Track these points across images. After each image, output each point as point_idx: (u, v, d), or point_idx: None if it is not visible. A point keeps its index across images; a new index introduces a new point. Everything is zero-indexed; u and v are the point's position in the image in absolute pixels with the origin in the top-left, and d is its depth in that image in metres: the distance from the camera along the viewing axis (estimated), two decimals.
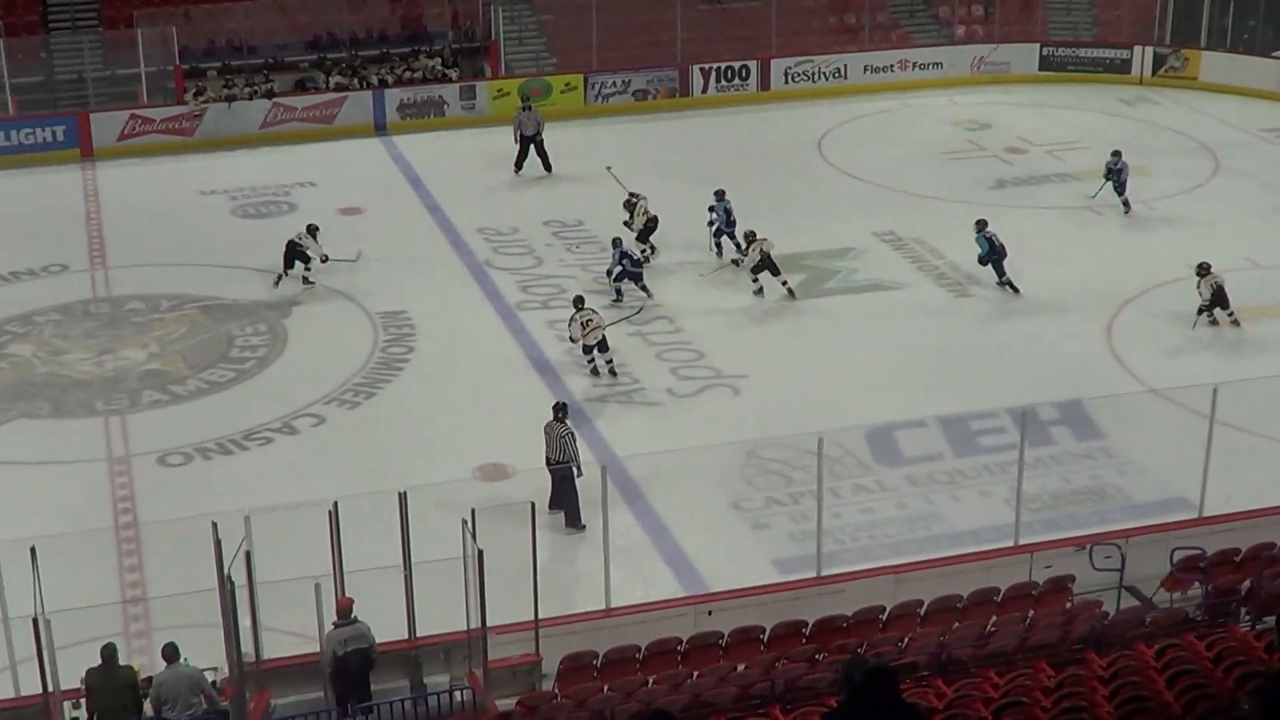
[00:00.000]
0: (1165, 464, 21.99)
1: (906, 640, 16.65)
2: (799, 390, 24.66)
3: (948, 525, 20.94)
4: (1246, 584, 17.72)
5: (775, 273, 28.13)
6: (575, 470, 20.45)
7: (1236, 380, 21.63)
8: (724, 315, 27.48)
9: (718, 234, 30.41)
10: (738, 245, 29.35)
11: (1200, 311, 26.82)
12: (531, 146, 35.93)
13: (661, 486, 21.53)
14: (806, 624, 17.33)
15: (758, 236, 28.25)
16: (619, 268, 27.97)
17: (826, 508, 19.37)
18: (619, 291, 28.02)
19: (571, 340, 25.61)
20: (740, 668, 16.15)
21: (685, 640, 17.09)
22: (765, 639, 17.22)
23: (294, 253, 29.11)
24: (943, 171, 35.83)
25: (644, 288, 28.11)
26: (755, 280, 28.32)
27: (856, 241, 31.06)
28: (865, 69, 42.83)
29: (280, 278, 29.23)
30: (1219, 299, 26.89)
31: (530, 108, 36.60)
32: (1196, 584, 18.33)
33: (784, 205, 32.70)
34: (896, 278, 29.41)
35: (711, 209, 30.35)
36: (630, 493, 21.32)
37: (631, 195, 30.71)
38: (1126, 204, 32.54)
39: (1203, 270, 26.97)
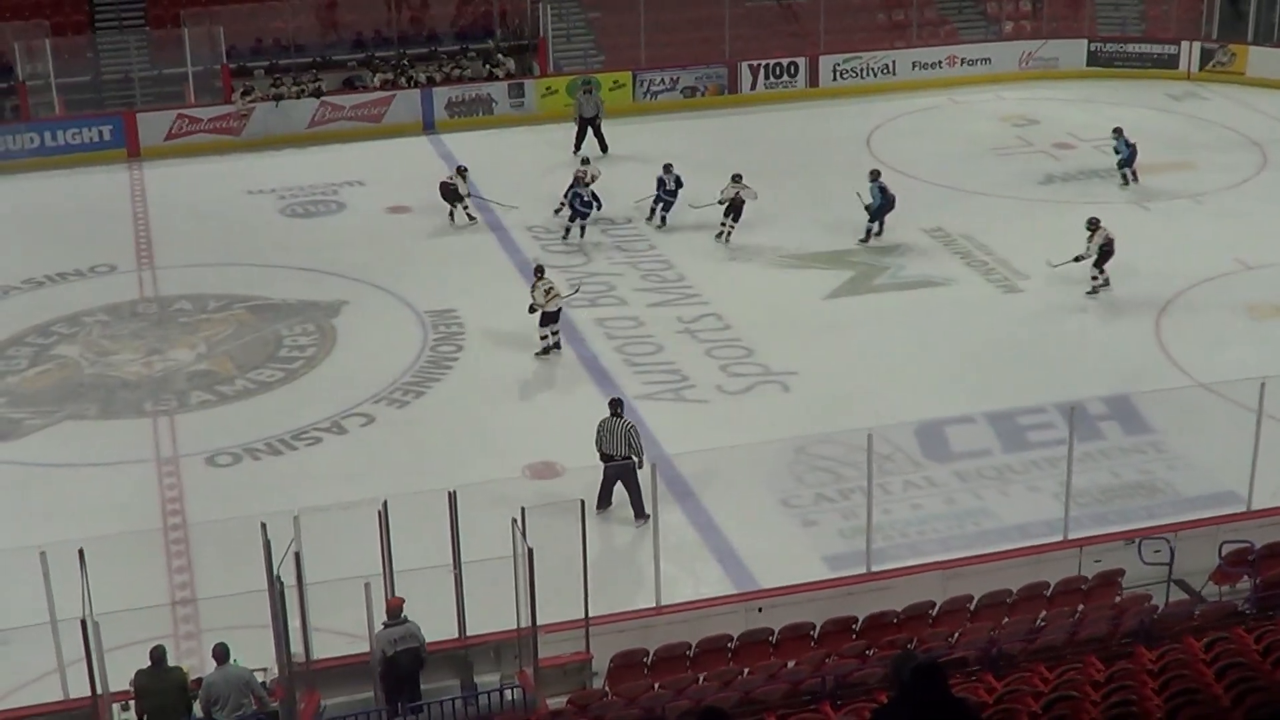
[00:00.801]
0: (1214, 458, 21.93)
1: (956, 635, 16.66)
2: (848, 387, 24.69)
3: (996, 520, 20.94)
4: None
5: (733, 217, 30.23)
6: (638, 463, 20.54)
7: None
8: (772, 312, 27.48)
9: (657, 201, 31.97)
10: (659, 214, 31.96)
11: (1077, 259, 27.86)
12: (590, 129, 36.73)
13: (711, 484, 21.59)
14: (856, 620, 17.36)
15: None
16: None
17: (876, 504, 19.36)
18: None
19: (530, 310, 25.90)
20: (790, 664, 16.17)
21: (735, 637, 17.13)
22: (815, 635, 17.25)
23: (448, 193, 31.32)
24: (991, 167, 35.76)
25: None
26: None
27: (905, 238, 31.04)
28: (914, 65, 42.78)
29: (452, 213, 32.06)
30: (1105, 256, 27.64)
31: (591, 91, 37.38)
32: (1245, 577, 18.30)
33: (832, 201, 32.66)
34: (945, 274, 29.39)
35: (660, 180, 31.95)
36: (680, 490, 21.36)
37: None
38: (1134, 175, 33.40)
39: (1092, 225, 27.88)
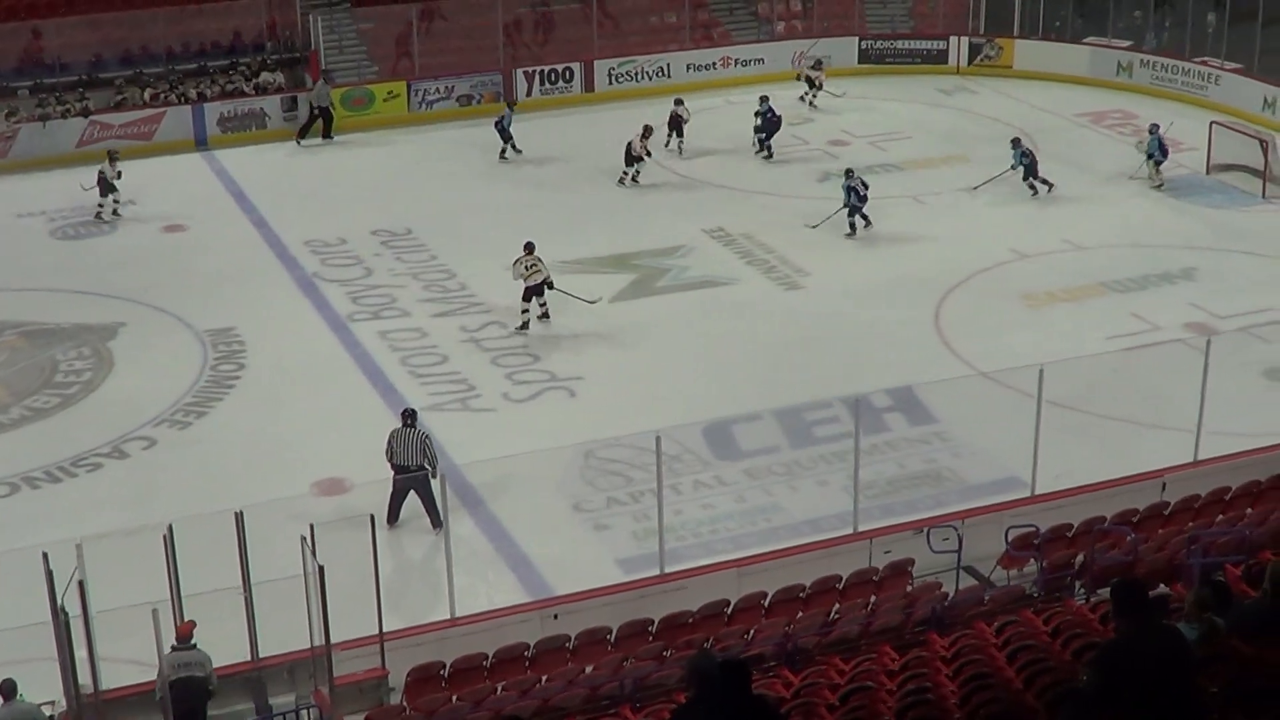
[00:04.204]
0: (997, 445, 22.32)
1: (752, 632, 16.77)
2: (635, 389, 24.72)
3: (787, 516, 21.10)
4: (1080, 558, 18.10)
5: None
6: (433, 472, 20.32)
7: (1062, 360, 22.06)
8: (557, 318, 27.40)
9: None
10: None
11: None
12: (322, 119, 38.31)
13: (502, 492, 21.47)
14: (652, 622, 17.38)
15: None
16: None
17: (667, 505, 19.43)
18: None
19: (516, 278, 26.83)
20: (589, 669, 16.13)
21: (532, 645, 17.04)
22: (612, 639, 17.23)
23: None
24: (768, 166, 36.10)
25: None
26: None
27: (686, 239, 31.20)
28: (688, 67, 43.04)
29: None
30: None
31: (326, 81, 38.47)
32: (1031, 560, 18.67)
33: (613, 205, 32.77)
34: (727, 273, 29.59)
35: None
36: (471, 500, 21.20)
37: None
38: (1044, 183, 33.71)
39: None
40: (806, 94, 40.79)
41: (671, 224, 31.72)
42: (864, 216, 31.38)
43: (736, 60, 43.54)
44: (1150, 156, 34.13)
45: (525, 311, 26.81)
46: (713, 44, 44.15)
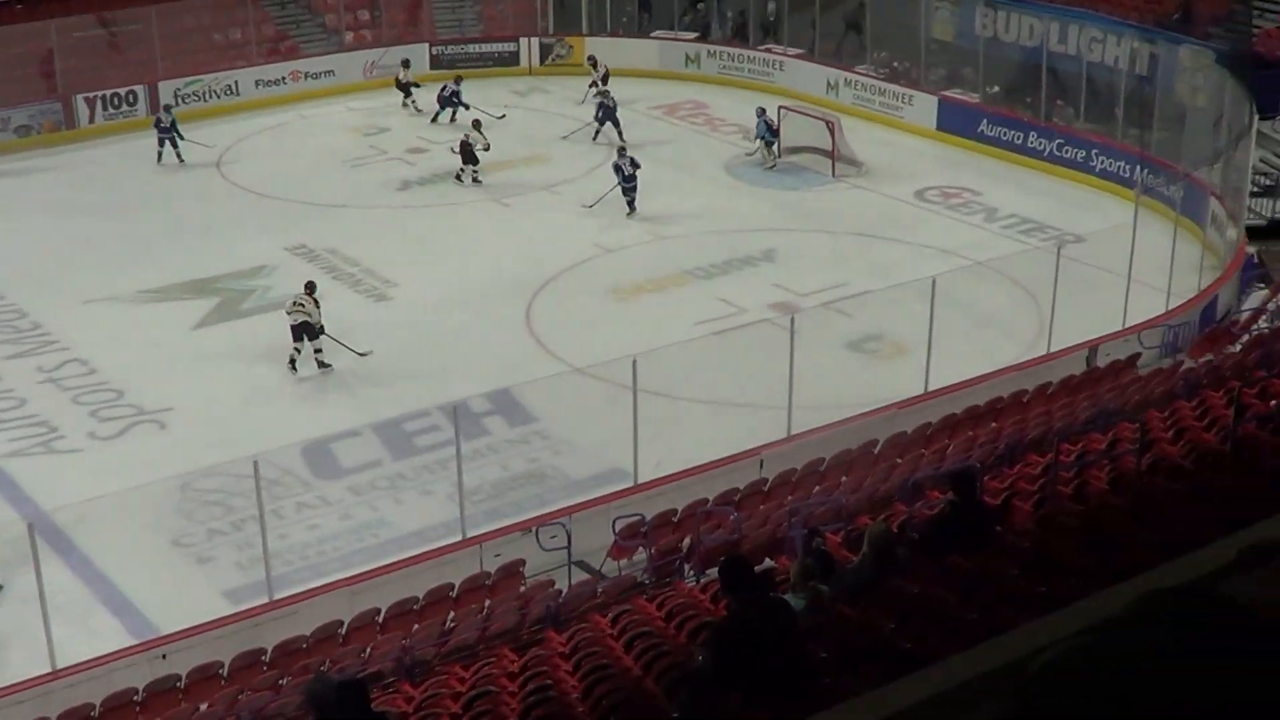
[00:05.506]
0: (598, 438, 22.54)
1: (369, 650, 16.56)
2: (228, 416, 24.03)
3: (395, 529, 20.84)
4: (686, 541, 18.41)
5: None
6: None
7: (654, 349, 22.35)
8: (139, 350, 26.46)
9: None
10: None
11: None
12: None
13: (95, 533, 20.56)
14: (266, 651, 17.00)
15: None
16: None
17: (271, 530, 19.03)
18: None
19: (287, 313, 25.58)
20: (203, 707, 15.72)
21: (142, 689, 16.45)
22: (225, 673, 16.76)
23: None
24: (348, 179, 35.68)
25: None
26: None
27: (268, 259, 30.53)
28: (257, 84, 42.12)
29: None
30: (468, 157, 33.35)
31: None
32: (640, 549, 18.90)
33: (188, 230, 31.88)
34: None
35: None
36: (61, 545, 20.23)
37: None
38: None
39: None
40: (407, 100, 40.94)
41: (251, 244, 31.03)
42: (629, 194, 32.20)
43: (307, 74, 42.89)
44: (761, 138, 35.39)
45: (295, 349, 25.34)
46: (282, 58, 43.37)
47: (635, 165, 32.30)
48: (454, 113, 39.37)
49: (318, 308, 25.55)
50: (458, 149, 34.73)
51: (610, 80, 39.21)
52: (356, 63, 43.54)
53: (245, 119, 40.42)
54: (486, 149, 34.57)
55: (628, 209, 32.19)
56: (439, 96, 39.64)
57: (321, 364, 25.47)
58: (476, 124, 35.50)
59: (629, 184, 32.10)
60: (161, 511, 21.25)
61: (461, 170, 34.78)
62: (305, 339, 25.42)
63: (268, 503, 19.00)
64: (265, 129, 39.78)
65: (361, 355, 25.79)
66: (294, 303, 25.54)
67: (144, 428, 24.03)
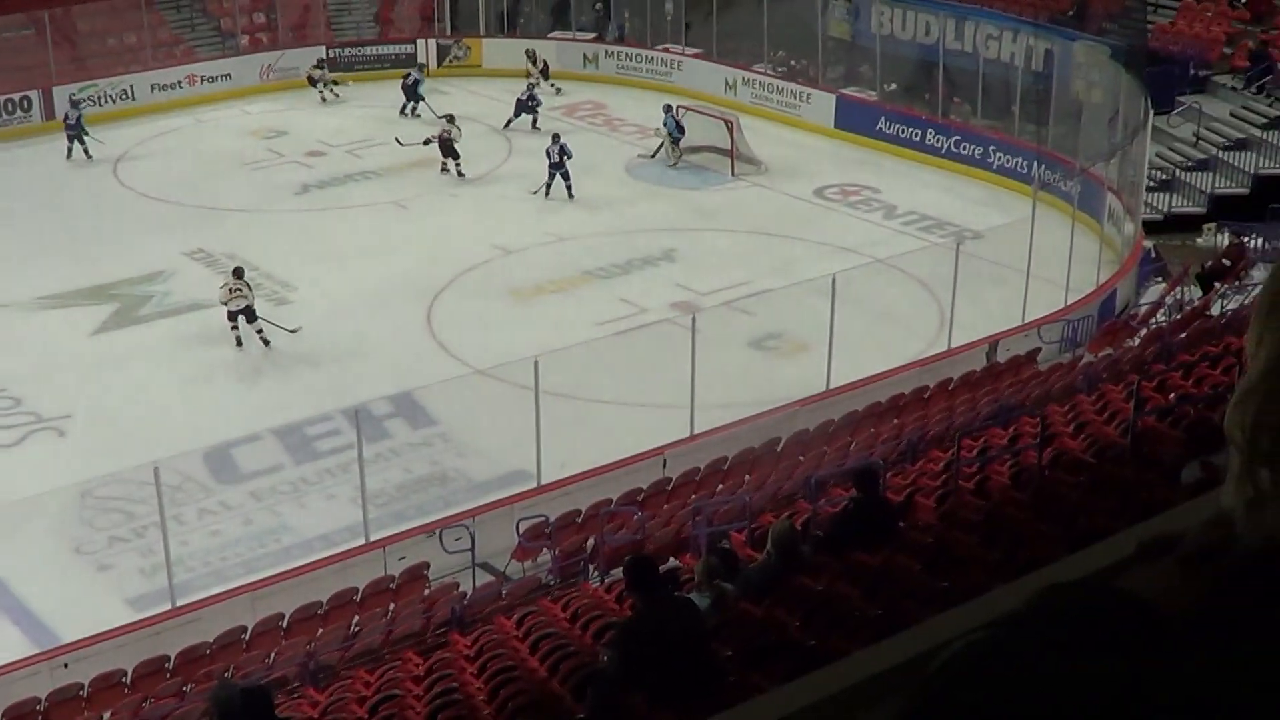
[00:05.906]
0: (500, 440, 22.48)
1: (273, 655, 16.48)
2: (128, 422, 23.76)
3: (298, 534, 20.72)
4: (591, 542, 18.43)
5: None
6: None
7: (555, 350, 22.36)
8: (36, 357, 26.17)
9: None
10: None
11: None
12: None
13: None
14: (169, 658, 16.85)
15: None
16: None
17: (172, 536, 18.88)
18: None
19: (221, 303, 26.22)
20: (106, 715, 15.61)
21: (43, 698, 16.26)
22: (128, 682, 16.60)
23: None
24: (246, 182, 35.41)
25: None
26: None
27: (166, 264, 30.24)
28: (152, 88, 41.71)
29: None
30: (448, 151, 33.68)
31: None
32: (545, 550, 18.91)
33: (83, 236, 31.53)
34: (212, 296, 28.75)
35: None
36: None
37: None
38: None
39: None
40: (322, 90, 41.87)
41: (148, 249, 30.71)
42: (565, 179, 32.98)
43: (202, 77, 42.53)
44: (669, 134, 35.47)
45: (234, 328, 26.20)
46: (177, 62, 42.97)
47: (566, 154, 32.89)
48: (414, 105, 39.95)
49: (250, 290, 26.29)
50: (434, 143, 35.00)
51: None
52: (253, 66, 43.26)
53: (141, 123, 40.01)
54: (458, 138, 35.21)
55: (566, 194, 33.09)
56: (402, 86, 40.21)
57: (266, 341, 26.28)
58: (450, 118, 35.69)
59: (557, 169, 32.82)
60: (61, 520, 21.04)
61: (444, 163, 34.90)
62: (244, 320, 26.12)
63: (169, 509, 18.86)
64: (161, 133, 39.41)
65: (292, 332, 26.35)
66: (230, 290, 26.16)
67: (42, 435, 23.74)
